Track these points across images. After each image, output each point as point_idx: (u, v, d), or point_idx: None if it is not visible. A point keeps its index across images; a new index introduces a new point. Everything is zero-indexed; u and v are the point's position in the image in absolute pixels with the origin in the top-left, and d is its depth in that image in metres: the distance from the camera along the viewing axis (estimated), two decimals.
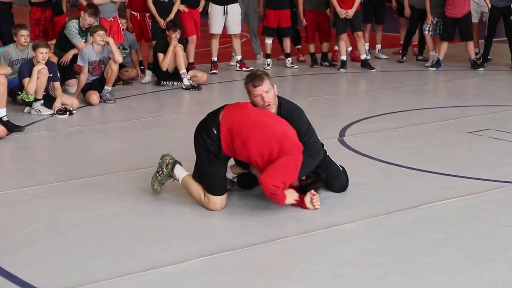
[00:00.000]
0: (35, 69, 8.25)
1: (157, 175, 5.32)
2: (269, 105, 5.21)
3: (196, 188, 5.16)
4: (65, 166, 6.35)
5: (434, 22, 11.35)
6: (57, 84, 8.55)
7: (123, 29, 10.48)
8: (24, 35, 8.83)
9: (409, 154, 6.57)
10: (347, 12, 11.03)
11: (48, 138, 7.51)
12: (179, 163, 5.34)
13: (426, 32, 11.50)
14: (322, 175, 5.24)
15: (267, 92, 5.20)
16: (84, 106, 8.84)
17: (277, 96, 5.32)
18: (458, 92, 9.79)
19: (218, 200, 5.09)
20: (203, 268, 4.23)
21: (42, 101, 8.38)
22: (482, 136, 7.15)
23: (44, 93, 8.42)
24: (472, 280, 4.03)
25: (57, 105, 8.36)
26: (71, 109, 8.41)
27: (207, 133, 5.04)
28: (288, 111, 5.29)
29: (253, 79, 5.21)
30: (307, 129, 5.23)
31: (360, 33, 11.24)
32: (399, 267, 4.19)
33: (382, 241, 4.61)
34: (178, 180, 5.28)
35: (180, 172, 5.27)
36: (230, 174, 5.45)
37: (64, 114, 8.30)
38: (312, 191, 5.14)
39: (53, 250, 4.47)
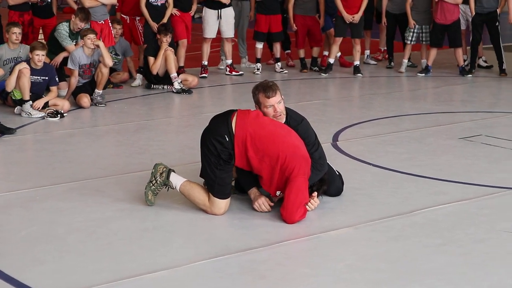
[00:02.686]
0: (17, 67, 8.24)
1: (151, 184, 5.21)
2: (280, 115, 5.24)
3: (200, 192, 5.13)
4: (59, 169, 6.32)
5: (416, 31, 11.38)
6: (54, 88, 8.56)
7: (119, 35, 10.47)
8: (15, 32, 8.89)
9: (403, 159, 6.60)
10: (353, 17, 11.05)
11: (40, 140, 7.46)
12: (173, 170, 5.28)
13: (409, 42, 11.52)
14: (326, 179, 5.27)
15: (279, 103, 5.23)
16: (75, 109, 8.80)
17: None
18: (447, 98, 9.85)
19: (223, 204, 5.07)
20: (204, 272, 4.22)
21: (31, 102, 8.33)
22: (474, 142, 7.19)
23: (31, 94, 8.35)
24: (472, 286, 4.05)
25: (41, 103, 8.32)
26: (62, 111, 8.38)
27: (219, 140, 4.97)
28: (295, 121, 5.32)
29: (266, 89, 5.22)
30: (313, 141, 5.29)
31: (359, 40, 11.27)
32: (399, 272, 4.20)
33: (381, 246, 4.61)
34: (174, 188, 5.20)
35: (176, 179, 5.20)
36: None
37: (56, 117, 8.27)
38: (314, 194, 5.18)
39: (52, 253, 4.44)
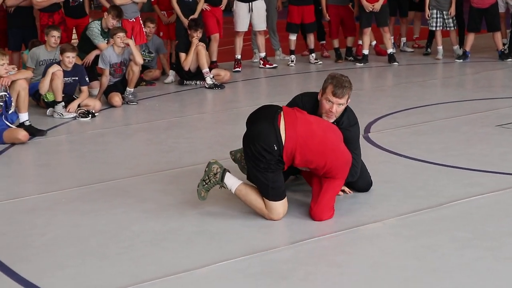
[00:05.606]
0: (50, 70, 8.25)
1: (204, 183, 4.93)
2: (332, 116, 5.04)
3: (257, 196, 4.87)
4: (87, 170, 6.30)
5: (438, 16, 11.13)
6: (84, 88, 8.56)
7: (152, 33, 10.45)
8: (55, 36, 8.98)
9: (436, 149, 6.42)
10: (373, 5, 10.88)
11: (70, 141, 7.46)
12: (228, 171, 5.01)
13: (433, 29, 11.28)
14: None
15: (339, 105, 5.02)
16: (107, 108, 8.80)
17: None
18: (486, 84, 9.60)
19: (281, 209, 4.84)
20: (226, 273, 4.13)
21: (63, 103, 8.35)
22: (511, 129, 6.96)
23: (63, 95, 8.36)
24: (503, 282, 3.89)
25: (74, 106, 8.32)
26: (93, 111, 8.38)
27: (267, 150, 4.68)
28: (348, 124, 5.11)
29: (337, 86, 4.96)
30: (354, 147, 5.08)
31: (386, 28, 11.10)
32: (428, 269, 4.05)
33: (410, 241, 4.47)
34: (229, 189, 4.96)
35: (232, 181, 4.92)
36: None
37: (87, 117, 8.27)
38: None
39: (74, 257, 4.39)
